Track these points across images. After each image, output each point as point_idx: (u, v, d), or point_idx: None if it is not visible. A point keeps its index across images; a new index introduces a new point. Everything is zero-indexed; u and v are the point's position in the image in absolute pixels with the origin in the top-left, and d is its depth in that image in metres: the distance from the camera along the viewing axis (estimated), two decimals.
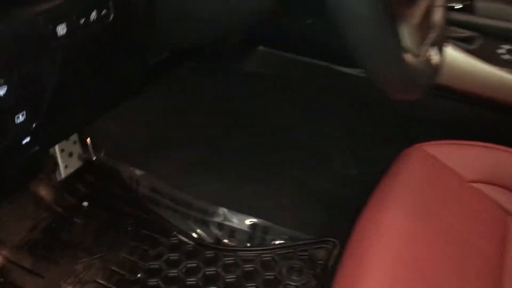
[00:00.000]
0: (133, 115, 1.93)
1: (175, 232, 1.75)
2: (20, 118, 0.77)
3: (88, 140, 1.97)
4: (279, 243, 1.69)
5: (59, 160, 1.85)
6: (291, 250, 1.65)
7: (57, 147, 1.83)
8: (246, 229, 1.72)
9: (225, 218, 1.74)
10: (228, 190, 1.80)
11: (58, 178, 1.86)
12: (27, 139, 0.86)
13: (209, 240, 1.73)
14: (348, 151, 1.76)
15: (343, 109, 1.76)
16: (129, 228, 1.77)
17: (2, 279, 1.53)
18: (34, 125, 0.82)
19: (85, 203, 1.83)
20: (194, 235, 1.74)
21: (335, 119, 1.77)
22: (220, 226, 1.74)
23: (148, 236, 1.74)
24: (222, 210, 1.75)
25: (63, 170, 1.86)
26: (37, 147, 0.92)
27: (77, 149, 1.92)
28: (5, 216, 1.66)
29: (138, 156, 1.91)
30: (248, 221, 1.73)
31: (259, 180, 1.80)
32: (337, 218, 1.65)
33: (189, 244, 1.69)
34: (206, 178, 1.80)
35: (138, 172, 1.89)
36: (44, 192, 1.79)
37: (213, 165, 1.83)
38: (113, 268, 1.61)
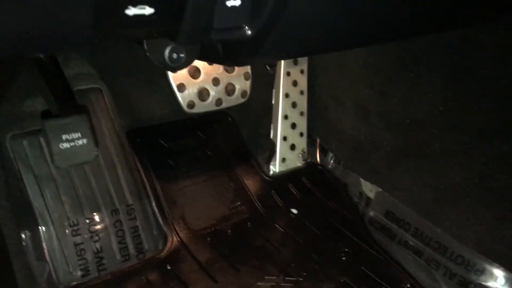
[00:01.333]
0: (379, 115, 1.41)
1: (409, 286, 1.12)
2: None
3: (318, 139, 1.54)
4: None
5: (278, 149, 1.45)
6: None
7: (279, 132, 1.44)
8: None
9: (504, 284, 1.03)
10: None
11: (271, 171, 1.45)
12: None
13: None
14: None
15: None
16: (343, 258, 1.22)
17: (169, 266, 1.15)
18: None
19: (294, 210, 1.37)
20: None
21: None
22: None
23: (367, 277, 1.17)
24: (500, 271, 1.05)
25: (279, 163, 1.45)
26: (249, 29, 0.60)
27: (301, 143, 1.50)
28: (198, 191, 1.31)
29: (376, 168, 1.36)
30: None
31: None
32: None
33: None
34: (478, 212, 1.13)
35: (372, 188, 1.35)
36: (249, 181, 1.40)
37: (493, 194, 1.15)
38: None
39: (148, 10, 0.52)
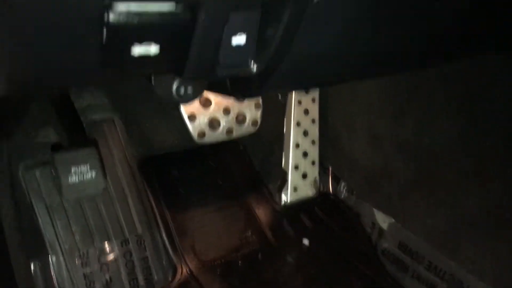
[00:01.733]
0: (392, 144, 1.40)
1: None
2: None
3: (330, 168, 1.53)
4: None
5: (289, 178, 1.44)
6: None
7: (290, 161, 1.43)
8: None
9: None
10: None
11: (283, 201, 1.44)
12: (241, 38, 0.56)
13: None
14: None
15: None
16: None
17: None
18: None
19: (306, 241, 1.35)
20: None
21: None
22: None
23: None
24: None
25: (290, 193, 1.44)
26: (255, 66, 0.60)
27: (313, 172, 1.48)
28: (208, 220, 1.30)
29: (389, 197, 1.34)
30: None
31: None
32: None
33: None
34: (495, 245, 1.10)
35: (385, 219, 1.32)
36: (261, 210, 1.39)
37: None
38: None
39: (153, 48, 0.53)
